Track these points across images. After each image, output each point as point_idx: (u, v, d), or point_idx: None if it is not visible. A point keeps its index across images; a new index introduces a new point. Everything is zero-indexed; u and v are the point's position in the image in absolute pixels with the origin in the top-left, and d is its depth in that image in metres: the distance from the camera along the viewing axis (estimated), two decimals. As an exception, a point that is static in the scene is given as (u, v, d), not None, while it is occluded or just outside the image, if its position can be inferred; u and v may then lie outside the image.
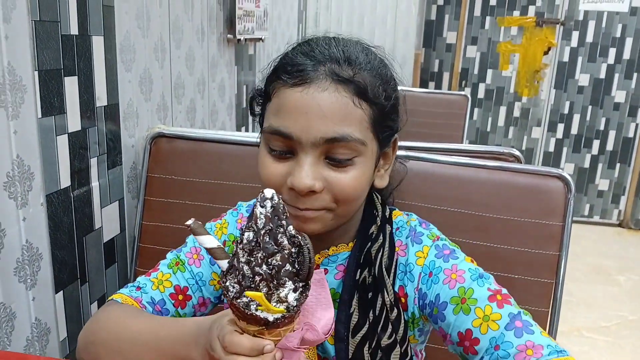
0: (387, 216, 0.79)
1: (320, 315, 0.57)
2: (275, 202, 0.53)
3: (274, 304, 0.52)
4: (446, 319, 0.70)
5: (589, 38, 3.65)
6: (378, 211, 0.78)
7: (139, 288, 0.78)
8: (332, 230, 0.73)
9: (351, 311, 0.73)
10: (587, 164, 3.82)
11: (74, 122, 0.99)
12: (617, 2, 3.55)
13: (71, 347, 1.05)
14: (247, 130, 2.00)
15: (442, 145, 1.17)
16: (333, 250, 0.77)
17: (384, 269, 0.74)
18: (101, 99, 1.06)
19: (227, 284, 0.52)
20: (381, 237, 0.76)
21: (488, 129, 3.92)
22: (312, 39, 0.73)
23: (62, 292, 1.01)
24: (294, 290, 0.52)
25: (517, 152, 1.15)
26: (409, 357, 0.76)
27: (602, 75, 3.68)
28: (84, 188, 1.04)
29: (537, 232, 1.02)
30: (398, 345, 0.74)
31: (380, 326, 0.73)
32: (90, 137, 1.04)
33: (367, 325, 0.73)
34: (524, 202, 1.03)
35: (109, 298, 0.78)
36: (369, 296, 0.73)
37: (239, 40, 1.77)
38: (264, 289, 0.52)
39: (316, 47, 0.70)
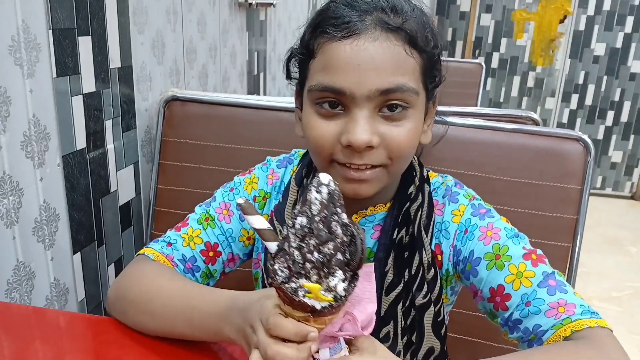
0: (425, 176, 0.78)
1: (362, 309, 0.55)
2: (332, 188, 0.51)
3: (323, 292, 0.50)
4: (478, 275, 0.70)
5: (606, 6, 3.57)
6: (416, 172, 0.78)
7: (169, 244, 0.78)
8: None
9: (386, 269, 0.74)
10: (600, 135, 3.78)
11: (88, 83, 0.98)
12: (636, -32, 3.46)
13: (89, 308, 1.06)
14: (259, 95, 1.99)
15: (459, 108, 1.16)
16: (371, 210, 0.77)
17: (422, 228, 0.74)
18: (114, 60, 1.05)
19: (276, 267, 0.51)
20: (420, 197, 0.75)
21: (501, 99, 3.88)
22: None
23: (79, 253, 1.01)
24: (343, 280, 0.51)
25: (535, 116, 1.13)
26: (441, 317, 0.76)
27: (619, 45, 3.62)
28: (99, 150, 1.03)
29: (554, 195, 1.01)
30: (432, 305, 0.74)
31: (415, 285, 0.73)
32: (104, 99, 1.03)
33: (401, 284, 0.73)
34: (541, 165, 1.02)
35: (139, 252, 0.78)
36: (405, 255, 0.73)
37: (250, 4, 1.74)
38: (314, 277, 0.50)
39: None
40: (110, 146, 1.07)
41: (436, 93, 0.75)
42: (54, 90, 0.89)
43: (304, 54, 0.70)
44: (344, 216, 0.52)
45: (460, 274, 0.74)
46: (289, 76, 0.76)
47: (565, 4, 3.61)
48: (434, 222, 0.75)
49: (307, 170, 0.80)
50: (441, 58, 0.72)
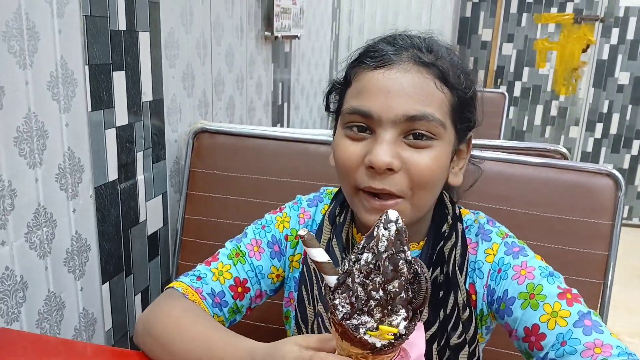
0: (458, 214, 0.78)
1: (415, 349, 0.55)
2: (400, 225, 0.50)
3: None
4: (513, 314, 0.70)
5: (630, 35, 3.56)
6: (449, 209, 0.77)
7: (199, 278, 0.78)
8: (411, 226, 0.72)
9: None
10: (626, 165, 3.72)
11: (121, 116, 1.00)
12: (660, -2, 3.45)
13: (116, 338, 1.07)
14: (282, 126, 2.01)
15: (486, 141, 1.16)
16: None
17: (457, 268, 0.73)
18: (147, 94, 1.08)
19: (337, 302, 0.50)
20: (454, 236, 0.75)
21: (524, 128, 3.86)
22: (396, 33, 0.74)
23: (108, 283, 1.03)
24: (405, 319, 0.50)
25: (563, 149, 1.12)
26: (476, 357, 0.75)
27: (644, 74, 3.58)
28: (130, 181, 1.05)
29: (585, 231, 0.99)
30: (467, 345, 0.73)
31: (450, 325, 0.73)
32: (136, 131, 1.06)
33: (437, 324, 0.72)
34: (571, 200, 1.01)
35: (169, 285, 0.79)
36: (440, 295, 0.73)
37: (276, 37, 1.78)
38: (378, 315, 0.49)
39: (399, 37, 0.72)
40: (140, 177, 1.09)
41: (470, 136, 0.76)
42: (88, 123, 0.92)
43: (342, 84, 0.74)
44: (409, 253, 0.51)
45: (495, 313, 0.74)
46: (327, 108, 0.79)
47: (587, 34, 3.61)
48: (468, 261, 0.75)
49: (340, 209, 0.80)
50: (476, 101, 0.74)
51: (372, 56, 0.69)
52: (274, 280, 0.83)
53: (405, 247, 0.50)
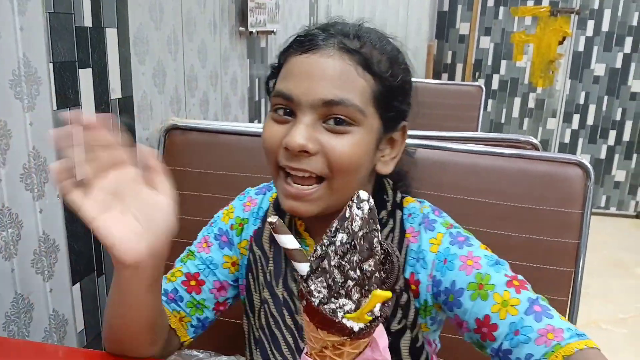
0: (398, 202, 0.78)
1: (381, 336, 0.54)
2: (371, 204, 0.51)
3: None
4: (463, 306, 0.69)
5: (605, 27, 3.60)
6: (389, 196, 0.77)
7: None
8: (335, 214, 0.71)
9: None
10: (603, 155, 3.78)
11: (89, 114, 0.99)
12: (633, -10, 3.49)
13: (88, 339, 1.05)
14: (259, 122, 2.00)
15: (458, 134, 1.16)
16: None
17: None
18: (115, 91, 1.06)
19: (312, 288, 0.49)
20: (391, 222, 0.75)
21: (502, 121, 3.89)
22: (332, 20, 0.75)
23: (79, 283, 1.01)
24: None
25: (534, 140, 1.13)
26: (420, 343, 0.75)
27: (619, 65, 3.64)
28: (99, 180, 1.04)
29: (555, 220, 1.00)
30: (408, 330, 0.73)
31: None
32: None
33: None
34: (542, 190, 1.01)
35: None
36: None
37: (251, 33, 1.76)
38: (356, 295, 0.48)
39: (332, 24, 0.73)
40: (110, 176, 1.07)
41: (403, 125, 0.75)
42: (54, 122, 0.90)
43: (276, 69, 0.75)
44: (379, 234, 0.51)
45: (443, 305, 0.73)
46: (268, 92, 0.79)
47: (563, 26, 3.65)
48: (407, 248, 0.74)
49: None
50: (409, 91, 0.74)
51: (302, 41, 0.70)
52: (232, 270, 0.82)
53: (378, 226, 0.50)
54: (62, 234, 0.95)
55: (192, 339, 0.82)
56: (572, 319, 1.04)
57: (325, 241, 0.50)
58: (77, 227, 0.99)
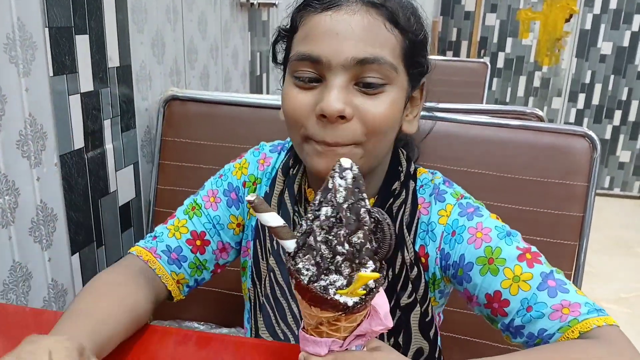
0: (412, 172, 0.75)
1: (381, 303, 0.52)
2: (356, 172, 0.49)
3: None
4: (472, 280, 0.67)
5: (612, 4, 3.53)
6: (402, 167, 0.75)
7: (155, 237, 0.77)
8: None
9: None
10: (608, 135, 3.74)
11: (86, 82, 0.97)
12: (643, -34, 3.42)
13: (89, 310, 1.05)
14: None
15: (464, 105, 1.14)
16: None
17: (404, 226, 0.71)
18: (113, 59, 1.04)
19: (300, 266, 0.47)
20: (404, 193, 0.72)
21: (507, 99, 3.85)
22: None
23: (78, 254, 1.00)
24: (374, 271, 0.47)
25: (540, 112, 1.11)
26: (429, 317, 0.73)
27: (626, 44, 3.58)
28: (97, 150, 1.02)
29: (561, 192, 0.99)
30: (418, 305, 0.72)
31: (399, 285, 0.71)
32: (103, 98, 1.02)
33: (385, 284, 0.69)
34: (547, 161, 1.00)
35: (128, 251, 0.77)
36: None
37: (252, 4, 1.73)
38: (346, 270, 0.46)
39: None
40: (109, 146, 1.06)
41: (423, 83, 0.73)
42: (50, 89, 0.88)
43: (288, 31, 0.70)
44: (367, 201, 0.49)
45: (452, 279, 0.72)
46: (274, 59, 0.75)
47: (570, 3, 3.58)
48: (418, 220, 0.72)
49: (295, 160, 0.77)
50: (427, 46, 0.71)
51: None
52: (236, 231, 0.80)
53: (364, 195, 0.48)
54: (61, 203, 0.94)
55: (183, 297, 0.79)
56: (576, 292, 1.02)
57: (309, 215, 0.48)
58: (76, 197, 0.98)
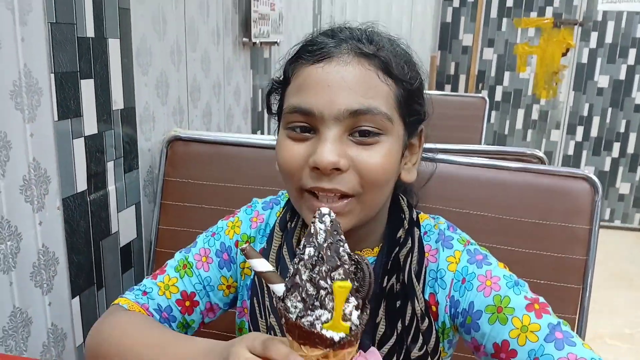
0: (415, 219, 0.74)
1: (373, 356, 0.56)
2: (333, 217, 0.53)
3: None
4: (481, 329, 0.67)
5: (608, 39, 3.59)
6: (405, 214, 0.74)
7: (145, 293, 0.76)
8: (356, 231, 0.69)
9: (377, 321, 0.70)
10: (607, 167, 3.75)
11: (90, 125, 0.98)
12: (636, 2, 3.49)
13: (88, 353, 1.04)
14: (262, 133, 1.99)
15: (463, 146, 1.15)
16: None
17: (413, 276, 0.70)
18: (117, 102, 1.05)
19: (288, 304, 0.50)
20: (410, 242, 0.72)
21: (506, 132, 3.88)
22: (335, 25, 0.72)
23: (78, 297, 1.00)
24: (356, 308, 0.50)
25: (540, 154, 1.12)
26: None
27: (622, 77, 3.63)
28: (100, 192, 1.03)
29: (562, 235, 0.99)
30: (429, 358, 0.70)
31: (410, 337, 0.70)
32: (106, 140, 1.03)
33: (394, 336, 0.69)
34: (548, 204, 1.00)
35: (114, 302, 0.76)
36: (397, 305, 0.70)
37: (255, 43, 1.76)
38: (330, 304, 0.49)
39: (338, 30, 0.69)
40: (111, 187, 1.06)
41: (421, 130, 0.73)
42: (55, 133, 0.89)
43: (281, 83, 0.70)
44: (346, 245, 0.52)
45: (459, 327, 0.71)
46: (269, 109, 0.75)
47: (567, 37, 3.64)
48: (426, 269, 0.72)
49: (292, 214, 0.77)
50: (424, 92, 0.71)
51: (311, 50, 0.66)
52: (226, 292, 0.80)
53: (342, 237, 0.52)
54: (62, 246, 0.94)
55: None
56: (581, 336, 1.01)
57: (296, 259, 0.52)
58: (78, 240, 0.98)
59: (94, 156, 1.00)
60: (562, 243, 0.99)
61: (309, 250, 0.51)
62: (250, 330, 0.77)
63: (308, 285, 0.50)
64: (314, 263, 0.50)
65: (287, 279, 0.52)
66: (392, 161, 0.66)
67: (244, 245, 0.53)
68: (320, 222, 0.52)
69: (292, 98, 0.66)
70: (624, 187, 3.75)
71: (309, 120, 0.64)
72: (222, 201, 1.15)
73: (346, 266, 0.50)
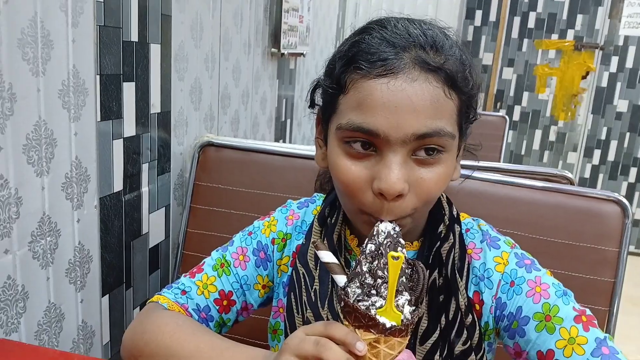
0: (455, 216, 0.74)
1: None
2: (395, 225, 0.60)
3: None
4: (526, 335, 0.66)
5: (629, 63, 3.59)
6: (445, 210, 0.73)
7: (184, 292, 0.76)
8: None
9: (419, 316, 0.69)
10: (623, 192, 3.73)
11: (129, 127, 1.00)
12: (659, 28, 3.49)
13: (113, 352, 1.05)
14: (284, 142, 2.01)
15: (493, 164, 1.15)
16: None
17: (456, 271, 0.70)
18: (155, 106, 1.07)
19: (348, 290, 0.56)
20: (451, 237, 0.71)
21: (522, 152, 3.87)
22: (385, 19, 0.65)
23: (107, 295, 1.01)
24: (409, 303, 0.55)
25: (570, 175, 1.12)
26: None
27: (642, 102, 3.61)
28: (134, 193, 1.04)
29: (592, 256, 0.99)
30: (473, 353, 0.69)
31: (454, 331, 0.69)
32: (143, 142, 1.05)
33: (438, 331, 0.68)
34: (578, 225, 1.00)
35: (151, 300, 0.76)
36: (441, 299, 0.69)
37: (282, 54, 1.78)
38: (385, 292, 0.54)
39: (396, 32, 0.62)
40: (145, 189, 1.08)
41: (469, 128, 0.71)
42: (97, 133, 0.91)
43: (334, 88, 0.65)
44: (405, 250, 0.57)
45: (502, 331, 0.70)
46: (312, 105, 0.73)
47: (587, 61, 3.64)
48: (469, 265, 0.71)
49: (331, 210, 0.76)
50: (478, 97, 0.69)
51: (370, 60, 0.60)
52: (261, 293, 0.80)
53: (402, 242, 0.58)
54: (97, 245, 0.95)
55: None
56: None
57: (360, 256, 0.58)
58: (111, 239, 0.99)
59: (130, 158, 1.01)
60: (591, 265, 0.99)
61: (370, 246, 0.57)
62: (285, 330, 0.77)
63: (367, 275, 0.55)
64: (373, 256, 0.56)
65: (349, 272, 0.57)
66: (449, 175, 0.65)
67: (317, 241, 0.58)
68: (383, 226, 0.59)
69: (352, 114, 0.62)
70: (639, 213, 3.72)
71: (371, 139, 0.61)
72: (250, 207, 1.16)
73: (403, 265, 0.54)
